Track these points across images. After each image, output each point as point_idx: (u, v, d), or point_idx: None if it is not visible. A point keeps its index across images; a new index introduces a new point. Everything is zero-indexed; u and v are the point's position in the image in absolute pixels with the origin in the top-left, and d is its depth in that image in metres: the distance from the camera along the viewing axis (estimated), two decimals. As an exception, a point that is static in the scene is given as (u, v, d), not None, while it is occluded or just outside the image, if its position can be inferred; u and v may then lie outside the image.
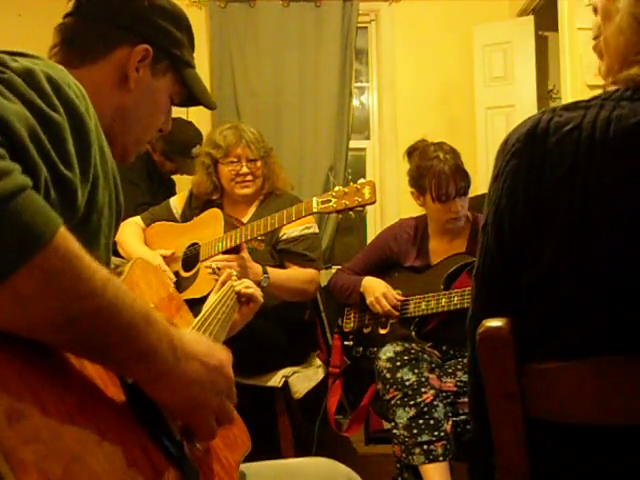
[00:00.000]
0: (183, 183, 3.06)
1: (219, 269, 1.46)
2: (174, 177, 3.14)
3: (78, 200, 0.69)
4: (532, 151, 0.77)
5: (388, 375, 1.89)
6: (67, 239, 0.56)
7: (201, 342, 0.74)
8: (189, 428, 0.73)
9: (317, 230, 2.37)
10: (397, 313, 2.13)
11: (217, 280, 1.38)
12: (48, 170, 0.63)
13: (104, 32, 0.96)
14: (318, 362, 2.34)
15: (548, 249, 0.76)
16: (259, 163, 2.30)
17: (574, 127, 0.74)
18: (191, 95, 1.07)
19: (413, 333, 2.10)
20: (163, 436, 0.69)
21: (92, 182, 0.73)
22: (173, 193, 3.01)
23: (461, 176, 2.07)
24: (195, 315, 1.07)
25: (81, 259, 0.57)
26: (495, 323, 0.64)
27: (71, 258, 0.56)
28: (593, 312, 0.74)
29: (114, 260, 1.12)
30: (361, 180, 1.84)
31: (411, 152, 2.20)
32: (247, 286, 1.32)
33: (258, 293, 1.33)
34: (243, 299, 1.32)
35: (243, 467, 0.96)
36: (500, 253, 0.82)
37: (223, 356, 0.76)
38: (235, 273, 1.40)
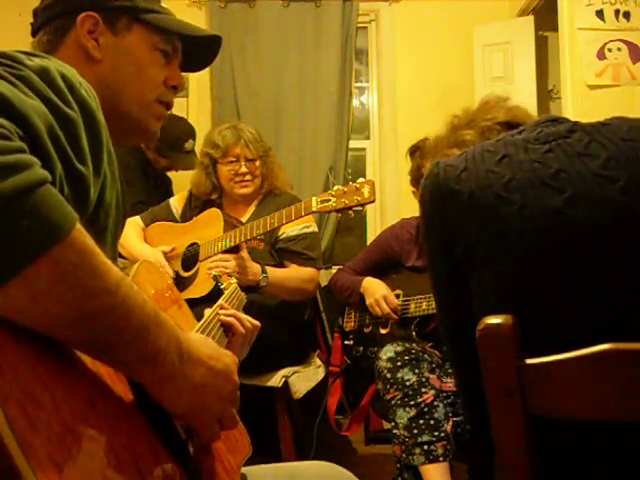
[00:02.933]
0: (180, 181, 3.06)
1: (220, 276, 1.44)
2: (170, 174, 3.13)
3: (90, 195, 0.70)
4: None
5: (388, 375, 1.89)
6: (83, 234, 0.56)
7: (207, 345, 0.74)
8: (191, 429, 0.73)
9: (316, 229, 2.37)
10: (396, 317, 2.12)
11: (215, 282, 1.37)
12: (63, 166, 0.63)
13: (54, 25, 0.95)
14: (318, 362, 2.33)
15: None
16: (258, 163, 2.31)
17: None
18: (166, 33, 0.98)
19: (414, 333, 2.10)
20: (168, 435, 0.69)
21: (102, 180, 0.73)
22: (169, 191, 3.01)
23: (460, 177, 2.05)
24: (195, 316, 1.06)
25: (96, 255, 0.57)
26: (495, 320, 0.64)
27: (86, 253, 0.56)
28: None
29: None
30: (360, 179, 1.84)
31: (413, 151, 2.19)
32: (227, 314, 1.14)
33: (237, 325, 1.13)
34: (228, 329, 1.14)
35: (244, 470, 0.96)
36: None
37: (229, 361, 0.75)
38: (235, 280, 1.39)
